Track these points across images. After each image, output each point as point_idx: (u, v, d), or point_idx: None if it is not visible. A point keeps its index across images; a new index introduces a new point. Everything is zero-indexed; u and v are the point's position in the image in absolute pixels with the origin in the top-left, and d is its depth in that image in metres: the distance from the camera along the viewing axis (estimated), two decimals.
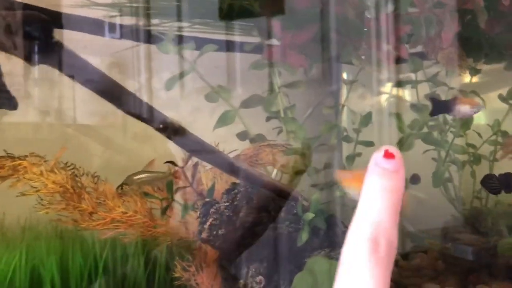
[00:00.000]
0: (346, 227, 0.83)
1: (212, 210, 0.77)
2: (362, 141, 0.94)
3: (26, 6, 0.67)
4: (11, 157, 0.80)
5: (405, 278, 1.05)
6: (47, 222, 0.87)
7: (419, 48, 0.99)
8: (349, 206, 0.90)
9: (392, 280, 0.27)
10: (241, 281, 0.76)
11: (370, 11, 0.85)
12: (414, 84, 1.06)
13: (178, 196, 0.87)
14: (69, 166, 0.85)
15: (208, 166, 0.86)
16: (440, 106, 0.95)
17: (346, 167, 0.92)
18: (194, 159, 0.84)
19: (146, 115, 0.79)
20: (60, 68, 0.66)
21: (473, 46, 1.03)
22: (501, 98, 1.08)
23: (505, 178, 1.01)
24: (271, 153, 0.87)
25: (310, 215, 0.75)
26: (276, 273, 0.76)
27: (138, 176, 0.83)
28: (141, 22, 0.95)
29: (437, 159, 1.06)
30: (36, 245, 0.81)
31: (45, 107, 1.00)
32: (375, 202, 0.27)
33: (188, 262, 0.79)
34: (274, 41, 0.89)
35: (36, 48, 0.63)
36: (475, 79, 1.15)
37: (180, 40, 0.88)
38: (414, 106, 1.01)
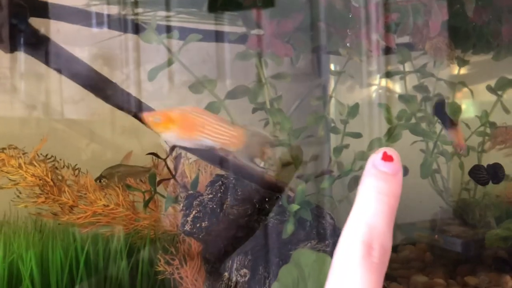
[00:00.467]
0: (332, 218, 0.82)
1: (195, 202, 0.75)
2: (349, 132, 0.93)
3: None
4: None
5: (393, 270, 1.05)
6: (27, 216, 0.85)
7: (406, 39, 0.98)
8: (335, 199, 0.89)
9: None
10: (226, 274, 0.74)
11: (357, 0, 0.84)
12: (402, 75, 1.05)
13: (162, 189, 0.86)
14: (49, 158, 0.83)
15: (193, 158, 0.84)
16: (440, 114, 0.96)
17: (333, 159, 0.91)
18: (178, 151, 0.82)
19: (133, 108, 0.77)
20: (35, 56, 0.64)
21: (461, 36, 1.02)
22: (489, 88, 1.07)
23: (493, 168, 1.01)
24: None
25: (295, 207, 0.74)
26: (261, 266, 0.75)
27: (116, 170, 0.81)
28: (125, 12, 0.93)
29: (425, 150, 1.05)
30: (14, 239, 0.79)
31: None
32: (371, 205, 0.27)
33: (172, 256, 0.78)
34: (261, 31, 0.87)
35: (10, 35, 0.61)
36: (463, 70, 1.14)
37: (167, 30, 0.86)
38: (402, 97, 1.00)
